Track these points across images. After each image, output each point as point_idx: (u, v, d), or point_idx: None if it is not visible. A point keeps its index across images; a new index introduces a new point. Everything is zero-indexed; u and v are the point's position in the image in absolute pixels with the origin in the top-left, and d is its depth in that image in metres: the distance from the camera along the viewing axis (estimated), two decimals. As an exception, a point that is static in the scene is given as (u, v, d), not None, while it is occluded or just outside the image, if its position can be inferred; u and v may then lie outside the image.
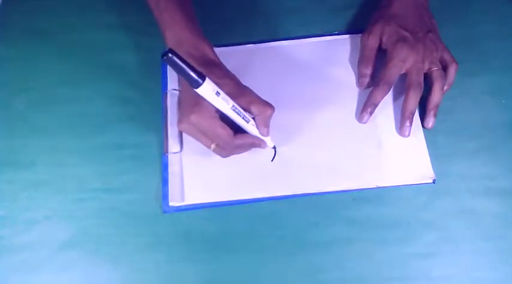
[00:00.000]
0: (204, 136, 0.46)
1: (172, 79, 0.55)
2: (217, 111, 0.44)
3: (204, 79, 0.41)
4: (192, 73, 0.40)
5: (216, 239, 0.48)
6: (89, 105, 0.55)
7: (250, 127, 0.47)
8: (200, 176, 0.50)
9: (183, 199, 0.49)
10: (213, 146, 0.46)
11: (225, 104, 0.43)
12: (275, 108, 0.46)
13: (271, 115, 0.46)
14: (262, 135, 0.48)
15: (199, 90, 0.42)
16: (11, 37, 0.60)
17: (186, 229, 0.49)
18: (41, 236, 0.49)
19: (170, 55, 0.39)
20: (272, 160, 0.50)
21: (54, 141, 0.53)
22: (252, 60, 0.56)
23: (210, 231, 0.48)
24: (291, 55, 0.56)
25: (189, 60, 0.45)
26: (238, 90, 0.45)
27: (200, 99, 0.43)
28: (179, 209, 0.49)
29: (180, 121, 0.46)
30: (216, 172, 0.50)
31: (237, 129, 0.46)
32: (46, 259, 0.48)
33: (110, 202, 0.50)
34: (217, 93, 0.42)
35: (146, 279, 0.47)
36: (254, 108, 0.45)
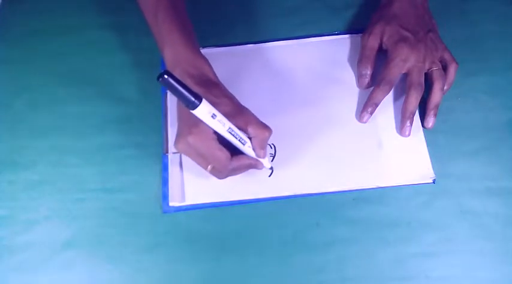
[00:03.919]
0: (201, 157, 0.45)
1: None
2: (215, 132, 0.43)
3: (200, 101, 0.40)
4: (188, 95, 0.39)
5: (216, 239, 0.48)
6: (89, 105, 0.55)
7: (247, 149, 0.45)
8: (200, 176, 0.50)
9: (183, 199, 0.49)
10: (209, 168, 0.45)
11: (221, 126, 0.42)
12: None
13: (268, 138, 0.45)
14: (259, 157, 0.46)
15: (196, 112, 0.40)
16: (11, 37, 0.60)
17: (186, 229, 0.49)
18: (41, 236, 0.49)
19: (166, 76, 0.37)
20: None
21: (54, 141, 0.53)
22: (252, 60, 0.56)
23: (210, 231, 0.48)
24: (291, 55, 0.56)
25: (187, 79, 0.44)
26: (235, 110, 0.44)
27: (198, 120, 0.41)
28: (179, 209, 0.49)
29: (177, 141, 0.44)
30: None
31: (234, 149, 0.45)
32: (46, 259, 0.48)
33: (110, 202, 0.50)
34: (214, 115, 0.41)
35: (146, 279, 0.47)
36: (251, 130, 0.44)
